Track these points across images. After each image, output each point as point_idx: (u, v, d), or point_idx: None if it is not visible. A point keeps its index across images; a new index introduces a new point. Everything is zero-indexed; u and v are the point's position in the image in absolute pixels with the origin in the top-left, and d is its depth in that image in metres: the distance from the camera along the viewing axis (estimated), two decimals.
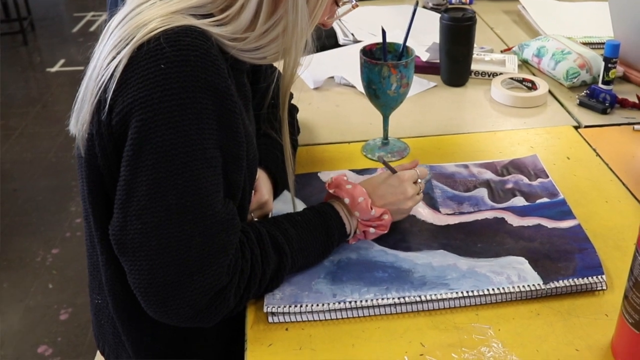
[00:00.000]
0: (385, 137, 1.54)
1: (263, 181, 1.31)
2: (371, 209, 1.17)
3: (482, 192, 1.36)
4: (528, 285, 1.10)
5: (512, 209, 1.30)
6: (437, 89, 1.88)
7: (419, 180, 1.26)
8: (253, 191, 1.25)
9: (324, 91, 1.89)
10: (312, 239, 1.13)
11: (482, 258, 1.17)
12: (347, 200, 1.18)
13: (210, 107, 0.97)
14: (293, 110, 1.53)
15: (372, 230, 1.19)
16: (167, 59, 0.94)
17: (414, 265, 1.16)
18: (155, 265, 0.96)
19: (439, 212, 1.31)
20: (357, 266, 1.16)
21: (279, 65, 1.14)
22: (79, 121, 1.04)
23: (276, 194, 1.35)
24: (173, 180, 0.95)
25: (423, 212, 1.30)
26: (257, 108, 1.39)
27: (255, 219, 1.28)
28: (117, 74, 0.97)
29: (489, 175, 1.42)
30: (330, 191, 1.21)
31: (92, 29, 6.01)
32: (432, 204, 1.33)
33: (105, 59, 1.00)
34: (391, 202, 1.21)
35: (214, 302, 1.00)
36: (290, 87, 1.16)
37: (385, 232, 1.21)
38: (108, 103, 0.98)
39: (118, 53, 0.98)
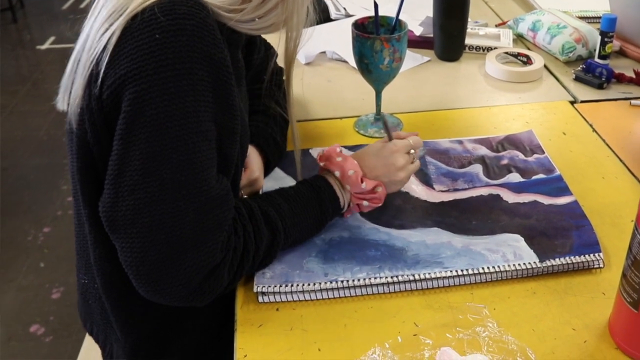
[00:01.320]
0: (378, 112, 1.52)
1: (254, 158, 1.29)
2: (362, 182, 1.15)
3: (477, 169, 1.34)
4: (524, 264, 1.08)
5: (508, 185, 1.29)
6: (430, 64, 1.86)
7: (412, 151, 1.23)
8: (243, 168, 1.23)
9: (316, 66, 1.86)
10: (305, 214, 1.11)
11: (477, 236, 1.15)
12: (337, 173, 1.16)
13: (206, 79, 0.95)
14: None
15: (365, 203, 1.17)
16: (162, 28, 0.92)
17: (407, 244, 1.14)
18: (148, 243, 0.94)
19: (433, 188, 1.29)
20: (349, 244, 1.14)
21: (276, 39, 1.11)
22: (71, 95, 1.02)
23: (267, 171, 1.34)
24: (167, 154, 0.93)
25: (417, 189, 1.28)
26: (250, 82, 1.37)
27: (245, 197, 1.26)
28: (110, 46, 0.95)
29: (483, 151, 1.40)
30: (321, 164, 1.19)
31: (82, 5, 5.97)
32: (426, 180, 1.31)
33: (98, 31, 0.97)
34: (382, 173, 1.18)
35: (208, 280, 0.98)
36: (294, 59, 1.14)
37: (380, 204, 1.18)
38: (100, 76, 0.95)
39: (111, 25, 0.96)
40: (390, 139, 1.23)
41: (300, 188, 1.14)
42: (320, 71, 1.84)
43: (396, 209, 1.23)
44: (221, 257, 0.99)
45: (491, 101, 1.64)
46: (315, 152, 1.41)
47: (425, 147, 1.41)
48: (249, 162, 1.27)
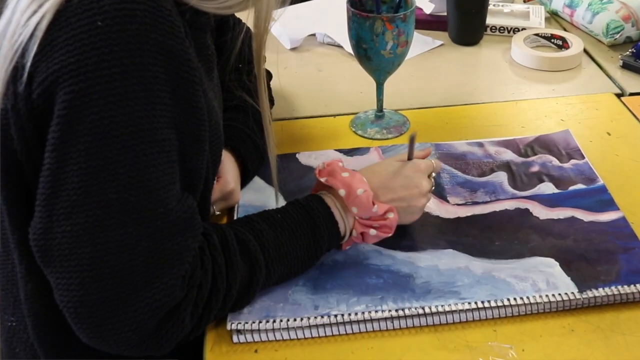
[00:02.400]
0: (380, 108, 1.53)
1: (228, 166, 1.29)
2: (373, 204, 1.14)
3: (501, 177, 1.35)
4: (559, 294, 1.08)
5: (539, 197, 1.29)
6: (443, 49, 1.88)
7: (433, 174, 1.24)
8: (216, 179, 1.22)
9: (303, 52, 1.88)
10: (294, 244, 1.10)
11: (501, 259, 1.16)
12: (342, 192, 1.14)
13: (163, 76, 0.94)
14: (265, 76, 1.50)
15: (372, 231, 1.16)
16: (105, 14, 0.91)
17: (415, 269, 1.14)
18: (89, 278, 0.93)
19: (447, 201, 1.30)
20: (345, 270, 1.15)
21: (246, 16, 1.11)
22: None
23: (245, 181, 1.34)
24: (113, 169, 0.92)
25: None
26: (222, 71, 1.36)
27: (218, 213, 1.26)
28: (40, 34, 0.93)
29: (509, 155, 1.41)
30: (322, 180, 1.17)
31: None
32: (439, 191, 1.32)
33: (24, 14, 0.96)
34: (401, 197, 1.17)
35: (165, 324, 0.97)
36: (265, 40, 1.12)
37: (390, 235, 1.17)
38: (27, 70, 0.94)
39: (40, 6, 0.94)
40: (410, 158, 1.22)
41: (290, 210, 1.13)
42: (308, 58, 1.85)
43: (402, 227, 1.22)
44: (182, 296, 0.98)
45: (518, 94, 1.65)
46: (303, 158, 1.42)
47: (437, 151, 1.42)
48: (223, 170, 1.27)
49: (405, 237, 1.21)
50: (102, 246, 0.92)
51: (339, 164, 1.18)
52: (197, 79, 0.99)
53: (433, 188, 1.24)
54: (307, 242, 1.12)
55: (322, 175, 1.17)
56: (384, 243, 1.19)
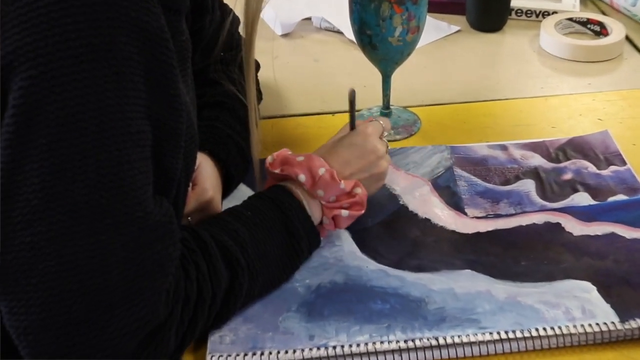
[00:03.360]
0: (386, 105, 1.53)
1: (207, 171, 1.28)
2: (339, 181, 1.17)
3: (528, 186, 1.35)
4: (597, 324, 1.08)
5: (573, 210, 1.29)
6: (461, 36, 1.88)
7: (385, 133, 1.28)
8: (190, 185, 1.21)
9: (297, 39, 1.88)
10: (271, 241, 1.12)
11: (527, 282, 1.15)
12: (302, 177, 1.16)
13: (136, 57, 0.93)
14: None
15: (344, 212, 1.18)
16: None
17: (427, 293, 1.14)
18: (54, 297, 0.91)
19: (465, 214, 1.29)
20: (345, 294, 1.14)
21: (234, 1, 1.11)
22: None
23: (229, 189, 1.34)
24: (80, 166, 0.90)
25: (441, 214, 1.29)
26: (201, 62, 1.36)
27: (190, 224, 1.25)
28: None
29: (537, 160, 1.41)
30: (276, 171, 1.20)
31: None
32: (455, 202, 1.32)
33: None
34: (360, 168, 1.21)
35: (146, 348, 0.96)
36: (257, 20, 1.13)
37: (363, 212, 1.20)
38: None
39: None
40: (353, 126, 1.26)
41: (258, 206, 1.15)
42: (303, 46, 1.86)
43: (412, 243, 1.23)
44: (167, 313, 0.97)
45: (548, 89, 1.66)
46: None
47: (452, 155, 1.42)
48: (199, 177, 1.26)
49: (415, 255, 1.21)
50: (70, 257, 0.90)
51: (287, 152, 1.21)
52: (175, 62, 0.98)
53: (388, 148, 1.28)
54: (282, 238, 1.13)
55: (275, 167, 1.20)
56: (391, 261, 1.19)
